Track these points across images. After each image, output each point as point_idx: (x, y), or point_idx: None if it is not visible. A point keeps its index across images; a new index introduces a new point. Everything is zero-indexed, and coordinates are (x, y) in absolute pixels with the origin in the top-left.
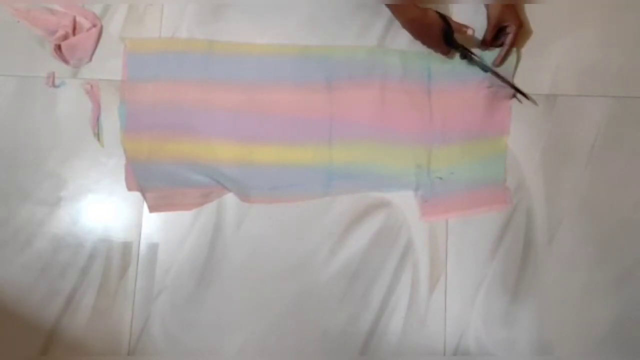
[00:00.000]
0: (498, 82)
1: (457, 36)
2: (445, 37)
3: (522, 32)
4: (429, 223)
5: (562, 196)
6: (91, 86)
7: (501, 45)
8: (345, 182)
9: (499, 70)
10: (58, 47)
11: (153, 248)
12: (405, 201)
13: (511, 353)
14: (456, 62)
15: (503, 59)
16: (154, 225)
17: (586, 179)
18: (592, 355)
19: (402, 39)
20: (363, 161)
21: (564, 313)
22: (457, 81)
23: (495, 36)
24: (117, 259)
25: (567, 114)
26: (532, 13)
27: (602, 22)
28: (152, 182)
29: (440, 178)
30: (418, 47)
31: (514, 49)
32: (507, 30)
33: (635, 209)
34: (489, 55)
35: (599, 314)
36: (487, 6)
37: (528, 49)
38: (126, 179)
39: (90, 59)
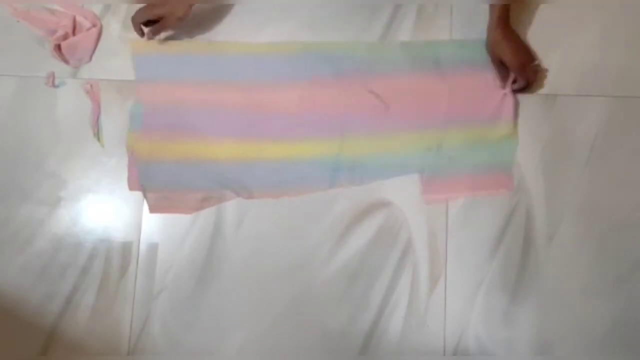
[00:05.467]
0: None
1: None
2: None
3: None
4: (429, 224)
5: (562, 196)
6: (91, 86)
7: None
8: (352, 174)
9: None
10: (58, 47)
11: (153, 248)
12: (405, 201)
13: (511, 353)
14: (465, 48)
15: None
16: (154, 225)
17: (586, 179)
18: (592, 355)
19: (404, 36)
20: (370, 153)
21: (564, 313)
22: (466, 66)
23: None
24: (117, 259)
25: (567, 114)
26: (533, 13)
27: (602, 22)
28: (154, 183)
29: (449, 158)
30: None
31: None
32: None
33: (635, 209)
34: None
35: (599, 314)
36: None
37: None
38: (129, 178)
39: (90, 59)
